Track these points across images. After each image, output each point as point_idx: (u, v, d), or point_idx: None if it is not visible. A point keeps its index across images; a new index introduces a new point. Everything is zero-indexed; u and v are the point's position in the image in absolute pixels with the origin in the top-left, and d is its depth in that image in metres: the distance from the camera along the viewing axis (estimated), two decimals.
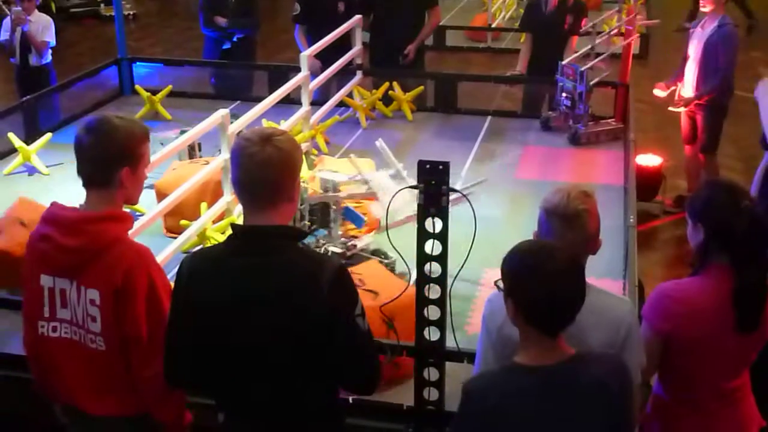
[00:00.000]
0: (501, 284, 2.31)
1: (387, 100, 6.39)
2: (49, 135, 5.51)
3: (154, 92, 6.41)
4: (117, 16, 6.95)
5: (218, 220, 4.32)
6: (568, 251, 2.27)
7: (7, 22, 7.35)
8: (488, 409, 2.20)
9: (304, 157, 3.50)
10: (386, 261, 3.87)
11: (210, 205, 4.30)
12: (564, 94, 5.92)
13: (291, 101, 5.68)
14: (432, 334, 2.85)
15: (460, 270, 2.77)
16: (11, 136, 5.37)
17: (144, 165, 2.63)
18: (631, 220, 4.19)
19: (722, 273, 2.71)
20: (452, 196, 2.65)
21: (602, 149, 5.79)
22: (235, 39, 7.25)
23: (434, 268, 2.75)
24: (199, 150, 5.12)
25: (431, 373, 2.91)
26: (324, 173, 4.38)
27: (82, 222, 2.54)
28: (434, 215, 2.66)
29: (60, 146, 5.34)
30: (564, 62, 5.93)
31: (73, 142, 2.57)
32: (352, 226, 4.25)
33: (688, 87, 6.52)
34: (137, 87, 6.62)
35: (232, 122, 4.35)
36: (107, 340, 2.55)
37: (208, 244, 4.01)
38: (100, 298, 2.51)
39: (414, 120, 6.32)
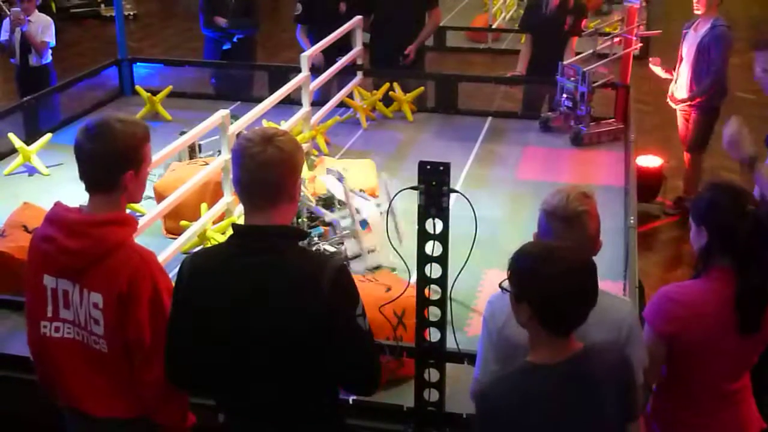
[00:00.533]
0: (507, 286, 2.31)
1: (387, 100, 6.38)
2: (49, 135, 5.51)
3: (155, 93, 6.41)
4: (117, 16, 6.95)
5: (218, 221, 4.31)
6: (578, 251, 2.29)
7: (6, 22, 7.33)
8: (513, 410, 2.21)
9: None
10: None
11: (210, 206, 4.30)
12: (565, 95, 5.92)
13: (291, 102, 5.68)
14: (432, 335, 2.85)
15: (460, 271, 2.77)
16: (11, 136, 5.37)
17: (146, 165, 2.62)
18: (632, 221, 4.19)
19: (725, 276, 2.71)
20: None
21: (603, 150, 5.79)
22: (235, 39, 7.24)
23: (434, 269, 2.75)
24: (199, 151, 5.11)
25: (432, 374, 2.91)
26: (325, 178, 4.34)
27: (86, 225, 2.52)
28: (435, 216, 2.66)
29: (60, 147, 5.35)
30: (565, 63, 5.93)
31: (73, 143, 2.55)
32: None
33: (681, 89, 6.54)
34: (137, 87, 6.61)
35: (232, 123, 4.34)
36: (110, 343, 2.54)
37: (209, 245, 4.00)
38: (103, 302, 2.50)
39: (414, 121, 6.32)
